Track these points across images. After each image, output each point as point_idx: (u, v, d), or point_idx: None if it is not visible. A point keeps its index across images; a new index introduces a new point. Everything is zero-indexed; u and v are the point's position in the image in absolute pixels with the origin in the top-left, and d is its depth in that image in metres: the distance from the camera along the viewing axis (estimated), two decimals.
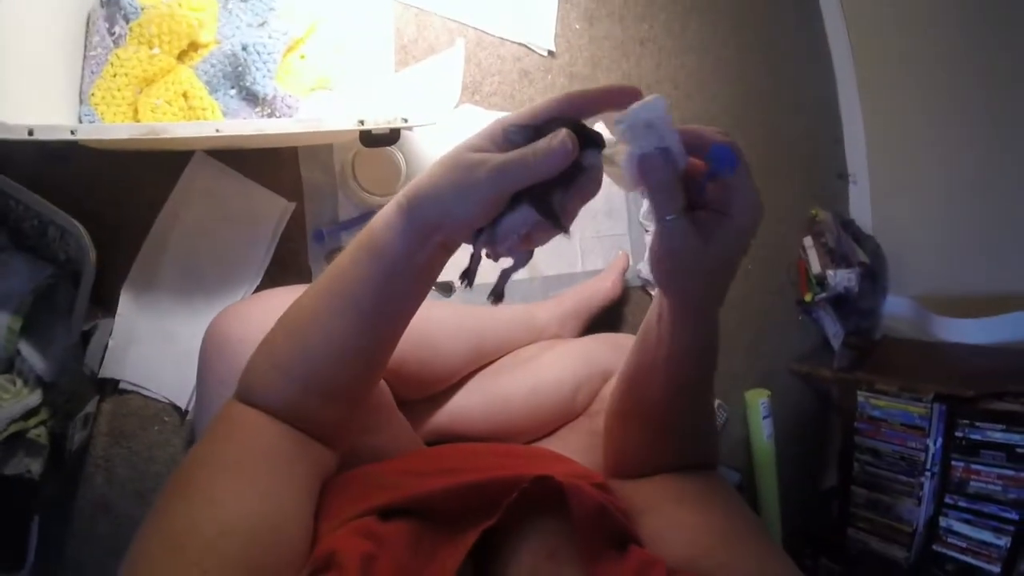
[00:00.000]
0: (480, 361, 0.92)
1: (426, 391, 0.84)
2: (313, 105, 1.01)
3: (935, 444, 1.17)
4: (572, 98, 0.44)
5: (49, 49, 0.81)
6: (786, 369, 1.54)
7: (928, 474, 1.17)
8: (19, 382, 0.85)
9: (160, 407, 1.00)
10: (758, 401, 1.40)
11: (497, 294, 0.50)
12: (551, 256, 1.29)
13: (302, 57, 1.00)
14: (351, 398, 0.55)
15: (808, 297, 1.49)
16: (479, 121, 1.23)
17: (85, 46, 0.86)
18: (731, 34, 1.57)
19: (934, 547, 1.16)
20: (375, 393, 0.69)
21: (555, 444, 0.85)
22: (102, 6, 0.87)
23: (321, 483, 0.52)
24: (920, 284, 1.51)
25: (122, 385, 0.97)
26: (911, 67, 1.49)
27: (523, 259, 0.49)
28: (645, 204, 1.38)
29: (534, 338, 1.06)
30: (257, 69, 0.93)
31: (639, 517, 0.53)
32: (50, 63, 0.81)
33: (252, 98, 0.96)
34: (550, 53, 1.32)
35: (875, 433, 1.27)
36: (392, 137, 0.86)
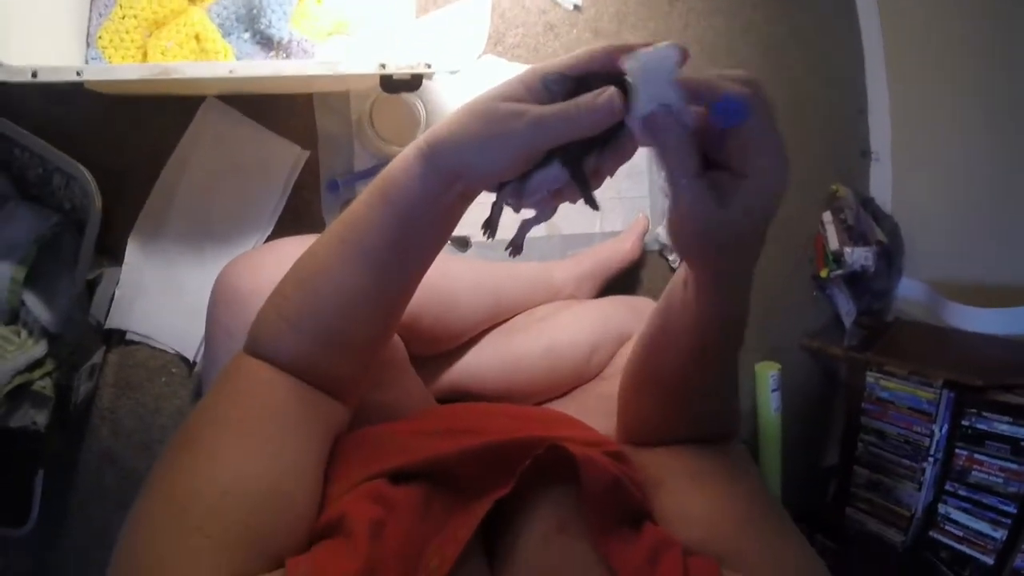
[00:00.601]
0: (496, 319, 0.90)
1: (440, 347, 0.82)
2: (330, 51, 0.97)
3: (940, 431, 1.17)
4: (615, 51, 0.39)
5: None
6: (797, 344, 1.53)
7: (931, 460, 1.17)
8: (24, 333, 0.84)
9: (167, 358, 0.98)
10: (767, 374, 1.39)
11: (516, 246, 0.48)
12: (571, 213, 1.26)
13: (318, 1, 0.95)
14: (363, 351, 0.52)
15: (824, 273, 1.47)
16: (501, 73, 1.18)
17: None
18: None
19: (931, 533, 1.17)
20: (388, 348, 0.67)
21: (568, 406, 0.84)
22: None
23: (331, 443, 0.50)
24: (935, 268, 1.48)
25: (129, 336, 0.95)
26: (938, 46, 1.43)
27: (546, 213, 0.46)
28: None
29: (550, 297, 1.04)
30: (272, 11, 0.88)
31: (654, 490, 0.52)
32: (55, 4, 0.76)
33: (267, 42, 0.91)
34: (576, 7, 1.26)
35: (882, 415, 1.27)
36: (414, 83, 0.82)
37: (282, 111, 0.99)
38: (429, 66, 0.79)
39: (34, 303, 0.82)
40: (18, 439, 0.82)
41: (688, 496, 0.51)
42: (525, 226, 0.48)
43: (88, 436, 0.95)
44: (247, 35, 0.91)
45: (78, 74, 0.64)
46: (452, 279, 0.83)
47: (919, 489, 1.18)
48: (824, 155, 1.58)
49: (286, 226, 1.01)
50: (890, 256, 1.48)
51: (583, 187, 0.42)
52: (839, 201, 1.51)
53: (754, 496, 0.52)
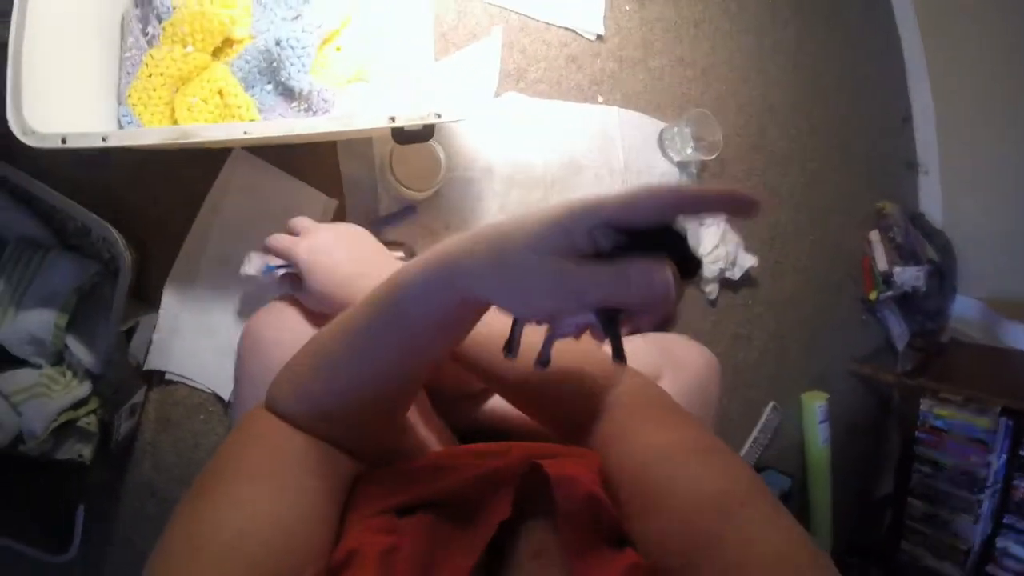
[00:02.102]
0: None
1: (465, 390, 0.83)
2: (350, 98, 0.99)
3: (998, 460, 1.10)
4: (682, 199, 0.33)
5: (86, 52, 0.82)
6: (845, 370, 1.47)
7: (988, 491, 1.10)
8: (68, 374, 0.89)
9: (204, 397, 1.02)
10: (815, 405, 1.34)
11: (543, 362, 0.44)
12: None
13: (338, 49, 0.98)
14: (376, 428, 0.55)
15: (873, 295, 1.41)
16: (524, 110, 1.19)
17: (121, 47, 0.86)
18: (791, 14, 1.47)
19: (988, 568, 1.10)
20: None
21: None
22: (136, 7, 0.87)
23: (347, 488, 0.52)
24: (991, 285, 1.40)
25: (168, 376, 1.00)
26: (983, 51, 1.36)
27: (569, 336, 0.43)
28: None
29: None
30: (292, 64, 0.91)
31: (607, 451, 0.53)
32: (87, 66, 0.82)
33: (288, 93, 0.95)
34: (599, 37, 1.27)
35: (937, 444, 1.20)
36: (425, 133, 0.84)
37: (307, 157, 1.03)
38: (439, 116, 0.80)
39: (76, 347, 0.88)
40: (63, 471, 0.87)
41: (630, 437, 0.53)
42: (550, 340, 0.44)
43: (131, 469, 1.00)
44: (269, 87, 0.95)
45: (104, 140, 0.69)
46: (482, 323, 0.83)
47: (976, 522, 1.11)
48: (868, 170, 1.53)
49: None
50: (942, 274, 1.41)
51: (615, 343, 0.37)
52: (886, 218, 1.45)
53: (687, 424, 0.54)
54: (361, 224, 1.05)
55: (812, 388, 1.39)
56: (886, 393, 1.48)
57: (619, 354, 0.38)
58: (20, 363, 0.87)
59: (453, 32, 1.15)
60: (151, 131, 0.70)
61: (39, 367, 0.87)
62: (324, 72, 0.97)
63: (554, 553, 0.44)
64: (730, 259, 1.33)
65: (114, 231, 0.75)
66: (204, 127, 0.71)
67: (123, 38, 0.87)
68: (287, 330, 0.69)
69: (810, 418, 1.34)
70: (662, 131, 1.31)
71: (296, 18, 0.94)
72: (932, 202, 1.51)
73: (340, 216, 1.05)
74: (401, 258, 1.08)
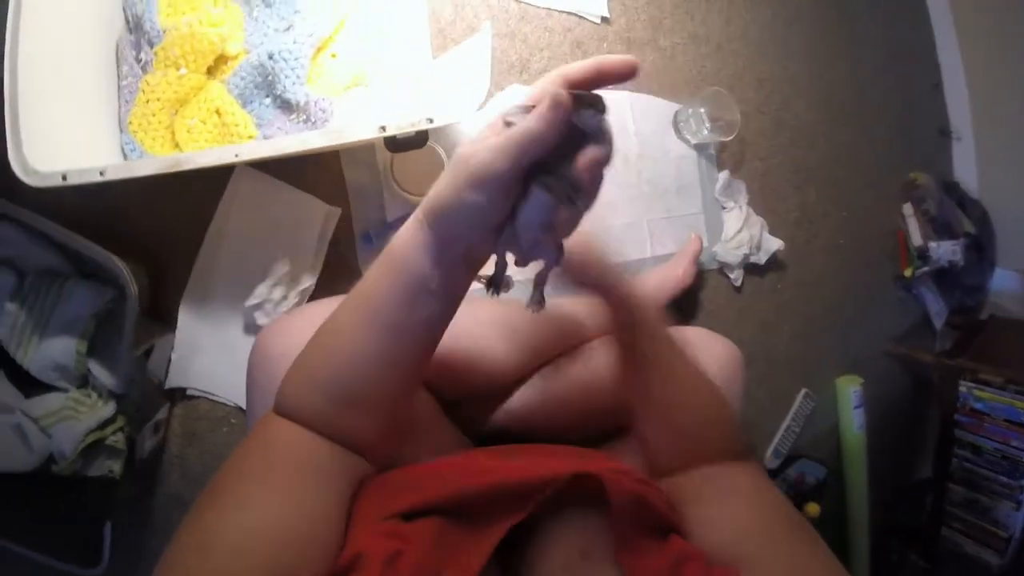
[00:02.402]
0: (537, 361, 0.88)
1: (476, 393, 0.82)
2: (351, 103, 0.99)
3: None
4: (567, 74, 0.42)
5: (84, 84, 0.83)
6: (881, 352, 1.41)
7: None
8: (93, 395, 0.92)
9: (227, 410, 1.05)
10: (849, 390, 1.29)
11: (537, 300, 0.48)
12: (617, 241, 1.22)
13: (333, 56, 0.97)
14: (383, 411, 0.54)
15: (908, 272, 1.34)
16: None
17: (118, 76, 0.87)
18: None
19: None
20: (415, 402, 0.69)
21: (613, 444, 0.82)
22: (129, 33, 0.88)
23: (354, 490, 0.52)
24: None
25: (189, 391, 1.02)
26: (1013, 11, 1.26)
27: (553, 256, 0.45)
28: (721, 179, 1.28)
29: (599, 332, 1.02)
30: (286, 77, 0.91)
31: (680, 508, 0.53)
32: (87, 97, 0.84)
33: (287, 105, 0.94)
34: (604, 20, 1.22)
35: (977, 428, 1.15)
36: (420, 140, 0.83)
37: (312, 167, 1.03)
38: (431, 121, 0.79)
39: (98, 370, 0.90)
40: (92, 487, 0.91)
41: (713, 509, 0.52)
42: (540, 278, 0.48)
43: (160, 482, 1.03)
44: (267, 100, 0.95)
45: (101, 174, 0.70)
46: (484, 326, 0.82)
47: (1017, 508, 1.07)
48: (898, 139, 1.45)
49: (327, 280, 1.05)
50: (980, 247, 1.33)
51: (558, 193, 0.41)
52: (919, 190, 1.38)
53: (778, 506, 0.52)
54: (368, 231, 1.05)
55: (846, 372, 1.34)
56: (924, 375, 1.42)
57: (571, 198, 0.41)
58: (48, 388, 0.90)
59: (451, 27, 1.13)
60: (145, 162, 0.71)
61: (65, 391, 0.91)
62: (321, 81, 0.96)
63: (602, 554, 0.44)
64: (754, 243, 1.28)
65: (118, 261, 0.76)
66: (197, 154, 0.71)
67: (119, 66, 0.88)
68: (294, 341, 0.69)
69: (844, 404, 1.29)
70: (676, 113, 1.27)
71: (288, 29, 0.94)
72: (967, 170, 1.43)
73: (345, 224, 1.05)
74: None
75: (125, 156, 0.89)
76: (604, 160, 0.41)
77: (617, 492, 0.45)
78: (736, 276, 1.30)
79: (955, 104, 1.45)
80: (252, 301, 0.95)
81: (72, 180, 0.70)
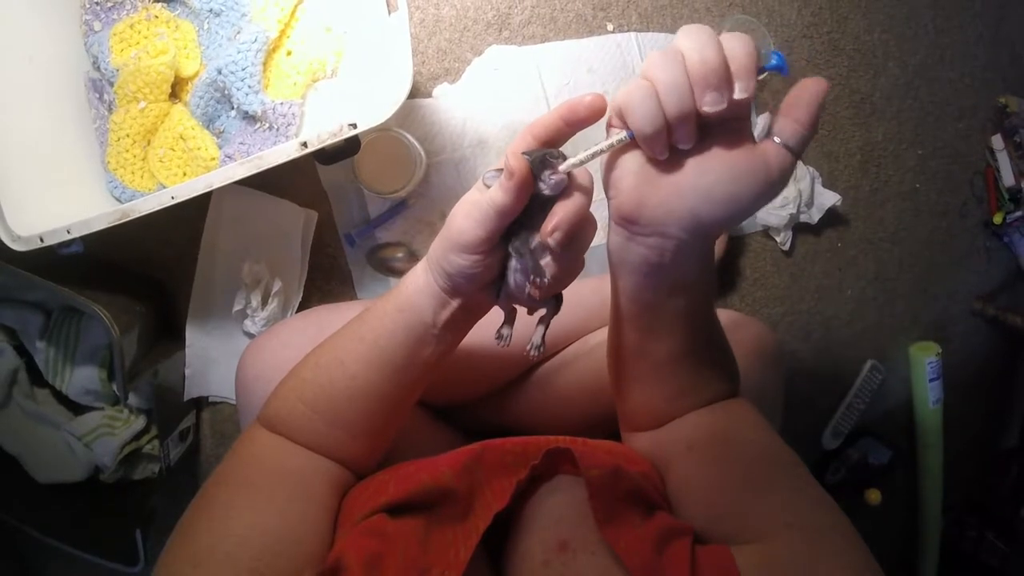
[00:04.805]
0: (549, 349, 0.84)
1: (478, 393, 0.81)
2: (319, 101, 0.96)
3: None
4: (534, 132, 0.43)
5: (62, 136, 0.88)
6: (966, 310, 1.18)
7: None
8: (126, 412, 1.02)
9: None
10: (924, 360, 1.11)
11: (536, 347, 0.49)
12: None
13: (288, 54, 0.94)
14: (376, 435, 0.57)
15: (998, 218, 1.10)
16: (513, 63, 1.05)
17: (92, 119, 0.91)
18: None
19: None
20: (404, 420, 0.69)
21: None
22: (89, 79, 0.90)
23: (340, 496, 0.54)
24: None
25: (211, 398, 1.09)
26: None
27: (553, 305, 0.49)
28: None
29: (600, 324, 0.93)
30: (238, 89, 0.89)
31: (663, 475, 0.53)
32: (67, 146, 0.89)
33: (250, 116, 0.93)
34: None
35: None
36: (352, 147, 0.78)
37: (287, 175, 1.01)
38: (355, 126, 0.74)
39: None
40: (130, 492, 1.02)
41: (685, 473, 0.51)
42: (543, 323, 0.50)
43: (195, 482, 1.12)
44: (233, 113, 0.94)
45: (68, 232, 0.74)
46: (484, 325, 0.79)
47: None
48: (980, 58, 1.16)
49: (318, 283, 1.05)
50: None
51: (522, 260, 0.43)
52: (1011, 118, 1.13)
53: (755, 455, 0.50)
54: (351, 229, 1.03)
55: (922, 339, 1.14)
56: (1016, 336, 1.18)
57: (534, 268, 0.43)
58: (86, 408, 1.01)
59: None
60: (99, 217, 0.74)
61: (101, 409, 1.00)
62: (280, 84, 0.93)
63: (580, 543, 0.43)
64: (804, 199, 1.10)
65: (100, 310, 0.82)
66: (139, 202, 0.73)
67: (90, 108, 0.91)
68: (268, 363, 0.71)
69: (919, 375, 1.11)
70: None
71: (238, 34, 0.91)
72: None
73: (327, 225, 1.04)
74: (402, 259, 1.05)
75: (113, 195, 0.93)
76: (574, 215, 0.42)
77: (589, 465, 0.45)
78: (784, 239, 1.13)
79: None
80: (236, 307, 0.99)
81: (48, 241, 0.75)
